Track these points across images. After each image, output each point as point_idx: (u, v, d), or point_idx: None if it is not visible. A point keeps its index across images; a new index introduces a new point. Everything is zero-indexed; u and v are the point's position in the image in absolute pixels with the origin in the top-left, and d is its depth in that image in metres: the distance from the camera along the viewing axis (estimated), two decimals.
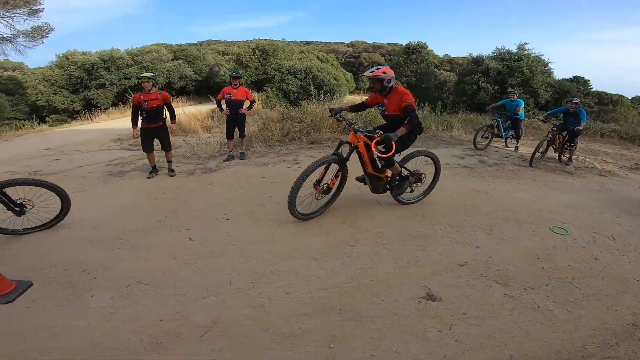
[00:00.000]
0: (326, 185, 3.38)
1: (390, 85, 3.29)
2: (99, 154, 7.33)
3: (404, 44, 23.57)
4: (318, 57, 23.72)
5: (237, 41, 36.83)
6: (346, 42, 50.45)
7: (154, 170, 5.03)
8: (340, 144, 3.33)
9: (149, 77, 4.66)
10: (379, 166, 3.47)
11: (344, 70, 26.28)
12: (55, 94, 16.89)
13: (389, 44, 48.58)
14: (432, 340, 1.98)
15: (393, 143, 2.94)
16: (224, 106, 5.55)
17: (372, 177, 3.51)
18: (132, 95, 16.89)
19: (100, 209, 3.83)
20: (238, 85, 5.49)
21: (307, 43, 47.52)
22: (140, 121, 4.73)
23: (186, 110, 11.27)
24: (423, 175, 3.84)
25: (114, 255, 2.84)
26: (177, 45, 29.19)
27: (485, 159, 6.18)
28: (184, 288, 2.40)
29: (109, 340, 1.94)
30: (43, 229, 3.25)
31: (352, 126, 3.33)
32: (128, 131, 9.98)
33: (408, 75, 18.44)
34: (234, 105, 5.44)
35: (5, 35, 15.97)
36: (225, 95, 5.47)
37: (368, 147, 3.24)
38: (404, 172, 3.64)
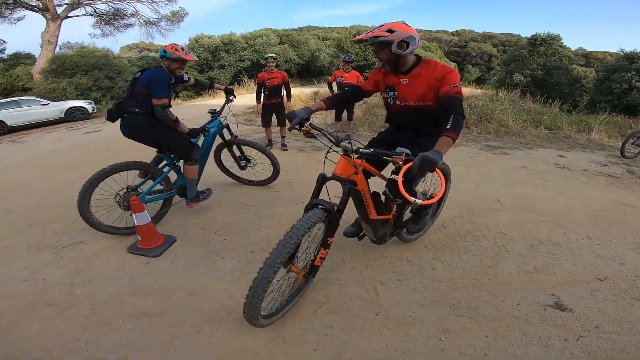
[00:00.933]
0: (310, 262, 2.02)
1: (407, 52, 1.86)
2: None
3: (522, 35, 20.65)
4: (422, 46, 22.52)
5: (335, 27, 37.78)
6: (450, 30, 46.72)
7: (270, 143, 5.52)
8: (323, 182, 1.91)
9: (274, 57, 5.12)
10: (384, 202, 2.24)
11: (448, 60, 24.40)
12: (187, 73, 19.69)
13: (503, 34, 43.39)
14: (555, 348, 1.81)
15: (438, 171, 1.53)
16: (335, 89, 5.68)
17: (377, 223, 2.21)
18: (244, 75, 18.80)
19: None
20: (350, 69, 5.58)
21: None
22: (262, 97, 5.20)
23: (291, 92, 11.98)
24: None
25: (240, 219, 3.17)
26: (282, 30, 31.15)
27: (635, 170, 5.07)
28: None
29: (234, 305, 2.08)
30: (256, 185, 3.97)
31: (342, 143, 1.82)
32: (242, 107, 11.15)
33: (533, 68, 16.11)
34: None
35: (151, 19, 19.36)
36: (337, 79, 5.62)
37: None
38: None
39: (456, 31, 46.46)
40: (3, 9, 15.44)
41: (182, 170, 3.12)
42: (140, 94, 2.72)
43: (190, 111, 10.77)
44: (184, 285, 2.27)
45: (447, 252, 2.67)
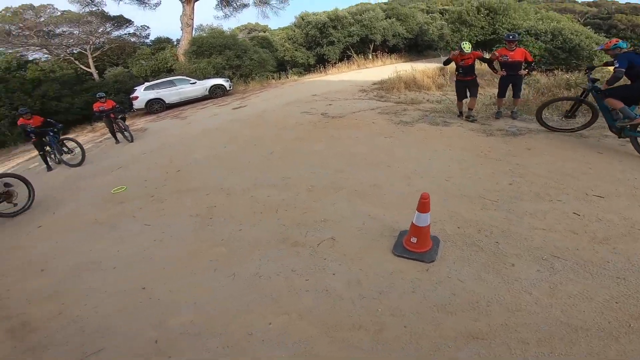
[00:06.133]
0: None
1: None
2: (355, 102, 8.04)
3: None
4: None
5: None
6: (580, 0, 38.95)
7: (461, 114, 5.76)
8: None
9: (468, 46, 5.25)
10: None
11: (591, 33, 19.88)
12: (296, 50, 20.09)
13: None
14: None
15: None
16: (496, 67, 5.45)
17: None
18: (352, 51, 18.29)
19: (433, 158, 3.94)
20: (514, 47, 5.31)
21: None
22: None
23: (414, 67, 11.25)
24: None
25: (494, 217, 2.73)
26: (385, 3, 29.43)
27: None
28: (617, 271, 2.08)
29: (574, 320, 1.80)
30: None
31: None
32: (367, 83, 10.73)
33: None
34: (513, 67, 5.28)
35: None
36: (501, 57, 5.38)
37: None
38: None
39: (593, 2, 38.66)
40: None
41: None
42: None
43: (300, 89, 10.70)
44: (493, 299, 1.95)
45: None
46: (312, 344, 1.77)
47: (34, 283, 2.72)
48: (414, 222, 2.31)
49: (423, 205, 2.23)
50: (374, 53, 19.64)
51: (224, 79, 12.98)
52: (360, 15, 20.76)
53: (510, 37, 5.32)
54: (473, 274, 2.15)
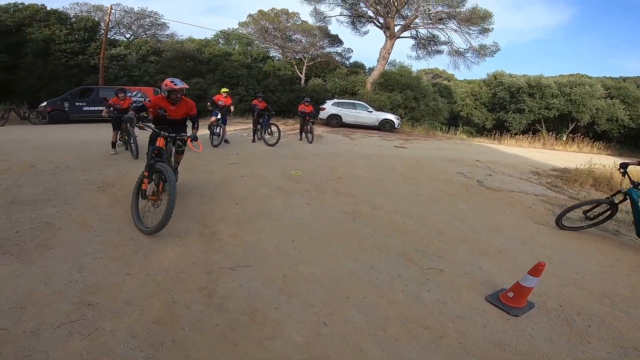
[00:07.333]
0: None
1: None
2: (521, 182, 7.47)
3: None
4: None
5: None
6: None
7: None
8: None
9: None
10: None
11: None
12: (476, 108, 19.56)
13: None
14: None
15: None
16: None
17: None
18: (542, 126, 16.35)
19: (575, 254, 3.72)
20: None
21: None
22: None
23: (619, 164, 9.23)
24: None
25: (607, 312, 2.72)
26: (610, 79, 24.65)
27: None
28: None
29: None
30: None
31: None
32: (544, 167, 9.68)
33: None
34: None
35: (460, 49, 19.74)
36: None
37: None
38: None
39: None
40: (357, 22, 20.41)
41: None
42: None
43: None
44: (549, 357, 2.19)
45: None
46: (387, 323, 2.36)
47: (229, 210, 3.99)
48: (519, 280, 2.59)
49: (536, 270, 2.51)
50: (570, 134, 17.05)
51: (395, 116, 14.12)
52: (570, 88, 18.36)
53: None
54: (545, 336, 2.36)
